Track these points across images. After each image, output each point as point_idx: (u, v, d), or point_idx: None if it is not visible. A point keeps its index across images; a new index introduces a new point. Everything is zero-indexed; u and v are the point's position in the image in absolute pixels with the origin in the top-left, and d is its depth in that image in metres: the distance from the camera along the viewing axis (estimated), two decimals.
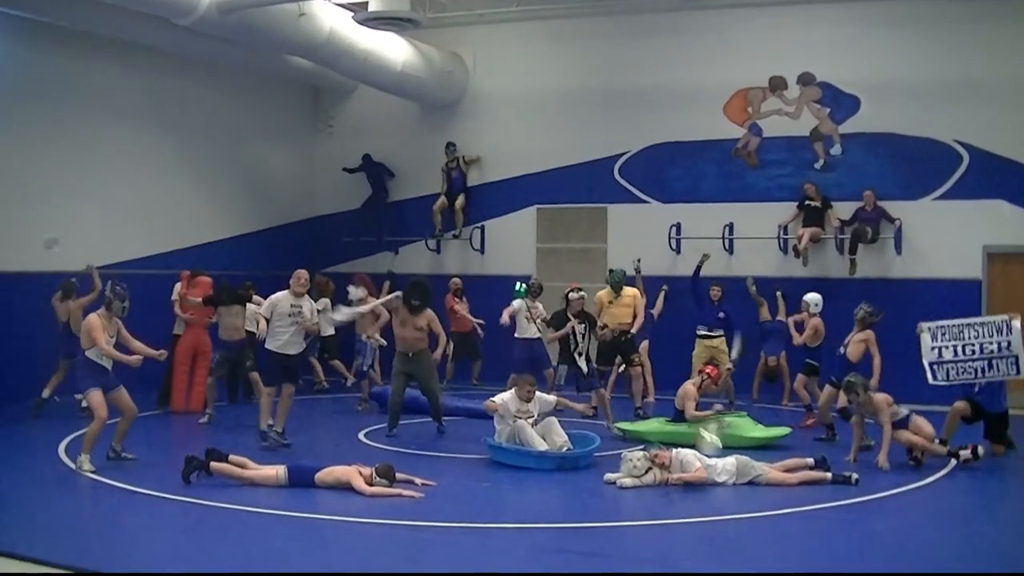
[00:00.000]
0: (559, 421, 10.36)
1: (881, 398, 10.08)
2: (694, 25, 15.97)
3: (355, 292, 12.93)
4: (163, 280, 13.82)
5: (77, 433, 10.50)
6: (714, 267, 14.27)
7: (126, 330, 9.66)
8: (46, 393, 12.46)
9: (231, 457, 9.02)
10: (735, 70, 15.70)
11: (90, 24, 13.48)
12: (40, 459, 10.07)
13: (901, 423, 10.04)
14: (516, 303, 12.96)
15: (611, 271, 13.56)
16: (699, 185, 16.08)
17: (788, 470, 9.30)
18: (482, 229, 17.21)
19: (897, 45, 14.98)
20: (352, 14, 13.98)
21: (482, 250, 17.22)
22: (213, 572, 6.55)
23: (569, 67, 16.81)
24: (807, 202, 15.23)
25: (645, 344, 13.82)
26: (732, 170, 15.91)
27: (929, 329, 10.94)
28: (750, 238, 15.61)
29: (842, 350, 11.24)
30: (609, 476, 9.17)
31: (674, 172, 16.20)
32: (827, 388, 11.41)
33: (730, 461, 9.20)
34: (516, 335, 12.99)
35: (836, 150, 15.40)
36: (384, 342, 13.53)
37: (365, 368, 13.77)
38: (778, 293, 14.62)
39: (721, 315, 13.48)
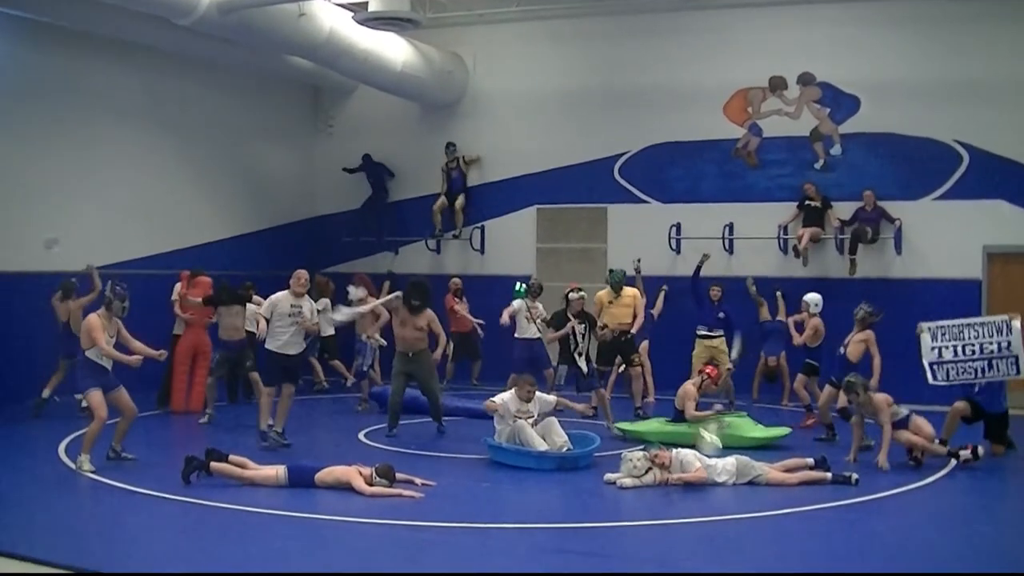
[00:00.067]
0: (559, 421, 10.36)
1: (881, 398, 10.08)
2: (694, 25, 15.97)
3: (355, 292, 12.94)
4: (163, 280, 13.82)
5: (77, 433, 10.50)
6: (714, 267, 14.27)
7: (126, 330, 9.66)
8: (46, 393, 12.46)
9: (231, 457, 9.02)
10: (735, 70, 15.70)
11: (90, 24, 13.48)
12: (40, 459, 10.07)
13: (901, 423, 10.04)
14: (516, 303, 12.96)
15: (611, 271, 13.56)
16: (699, 185, 16.08)
17: (788, 470, 9.30)
18: (482, 229, 17.21)
19: (897, 45, 14.98)
20: (352, 14, 13.98)
21: (482, 250, 17.22)
22: (213, 572, 6.55)
23: (569, 67, 16.82)
24: (807, 202, 15.23)
25: (645, 344, 13.82)
26: (732, 170, 15.91)
27: (929, 329, 10.94)
28: (750, 238, 15.61)
29: (842, 350, 11.24)
30: (609, 476, 9.17)
31: (674, 172, 16.20)
32: (827, 388, 11.41)
33: (730, 461, 9.20)
34: (516, 335, 12.99)
35: (836, 150, 15.41)
36: (384, 342, 13.53)
37: (365, 368, 13.77)
38: (778, 293, 14.62)
39: (721, 315, 13.49)
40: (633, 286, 13.70)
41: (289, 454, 10.27)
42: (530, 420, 10.06)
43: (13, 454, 10.43)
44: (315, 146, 18.61)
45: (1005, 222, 14.43)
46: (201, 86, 16.20)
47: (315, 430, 12.55)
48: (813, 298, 12.54)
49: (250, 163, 17.39)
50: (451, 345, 14.78)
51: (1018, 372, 10.61)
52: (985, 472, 9.99)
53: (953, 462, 10.08)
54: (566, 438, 10.13)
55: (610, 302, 13.04)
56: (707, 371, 11.74)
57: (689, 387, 11.45)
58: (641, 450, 9.34)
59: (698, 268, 13.53)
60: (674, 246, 15.95)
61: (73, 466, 9.48)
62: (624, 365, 13.13)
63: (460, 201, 17.11)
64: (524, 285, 13.26)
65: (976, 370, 10.69)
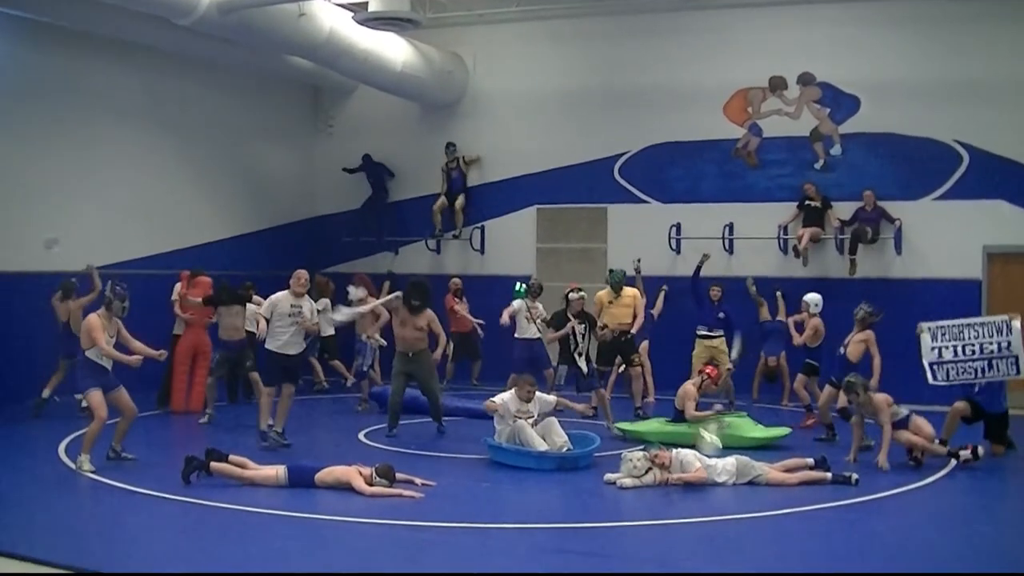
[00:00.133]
0: (559, 421, 10.36)
1: (881, 398, 10.08)
2: (694, 25, 15.97)
3: (355, 292, 12.95)
4: (163, 280, 13.82)
5: (77, 433, 10.50)
6: (714, 267, 14.27)
7: (126, 330, 9.66)
8: (46, 393, 12.46)
9: (231, 457, 9.02)
10: (735, 70, 15.70)
11: (90, 24, 13.48)
12: (40, 459, 10.07)
13: (901, 423, 10.04)
14: (516, 303, 12.96)
15: (611, 271, 13.56)
16: (699, 185, 16.08)
17: (788, 470, 9.30)
18: (482, 229, 17.21)
19: (897, 45, 14.98)
20: (352, 14, 13.98)
21: (482, 250, 17.22)
22: (213, 572, 6.55)
23: (569, 67, 16.82)
24: (807, 202, 15.23)
25: (645, 344, 13.82)
26: (732, 170, 15.91)
27: (929, 329, 10.94)
28: (750, 238, 15.61)
29: (842, 350, 11.24)
30: (609, 476, 9.17)
31: (674, 172, 16.21)
32: (827, 388, 11.41)
33: (730, 461, 9.20)
34: (516, 335, 12.99)
35: (836, 150, 15.41)
36: (384, 342, 13.52)
37: (365, 368, 13.77)
38: (778, 293, 14.62)
39: (721, 315, 13.48)
40: (633, 286, 13.69)
41: (289, 454, 10.27)
42: (530, 420, 10.06)
43: (13, 454, 10.43)
44: (315, 146, 18.61)
45: (1005, 222, 14.43)
46: (201, 86, 16.20)
47: (315, 430, 12.55)
48: (813, 298, 12.53)
49: (250, 163, 17.39)
50: (451, 345, 14.78)
51: (1018, 372, 10.61)
52: (985, 472, 9.99)
53: (953, 462, 10.08)
54: (566, 438, 10.13)
55: (610, 302, 13.04)
56: (707, 371, 11.74)
57: (689, 387, 11.45)
58: (641, 450, 9.33)
59: (698, 268, 13.53)
60: (674, 246, 15.95)
61: (73, 466, 9.47)
62: (624, 365, 13.12)
63: (460, 201, 17.12)
64: (524, 285, 13.26)
65: (976, 370, 10.69)
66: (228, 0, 12.69)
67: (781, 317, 14.23)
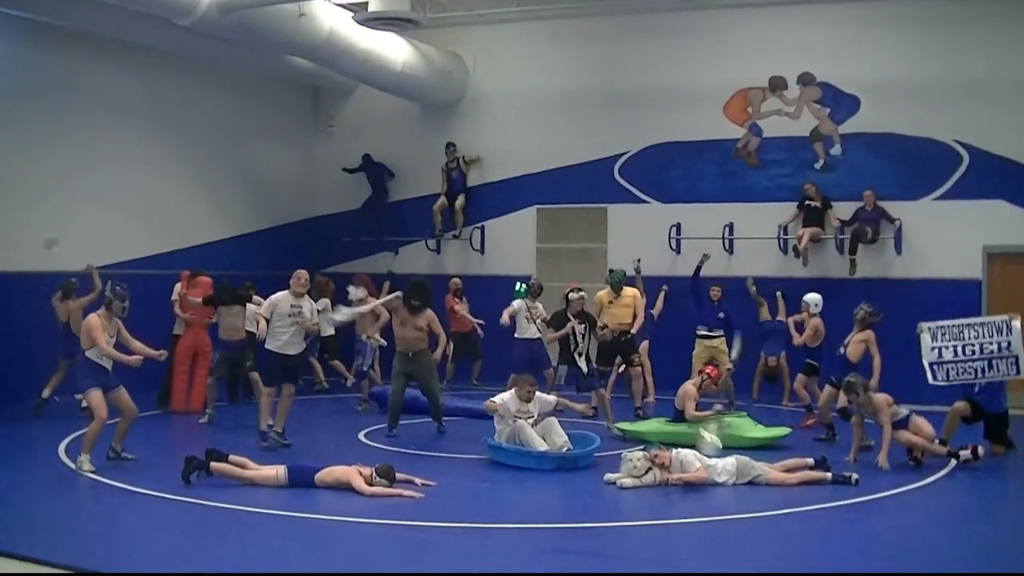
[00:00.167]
0: (559, 421, 10.36)
1: (881, 398, 10.08)
2: (694, 25, 15.97)
3: (355, 292, 12.94)
4: (163, 280, 13.82)
5: (77, 433, 10.50)
6: (714, 267, 14.27)
7: (126, 330, 9.66)
8: (46, 393, 12.46)
9: (231, 457, 9.02)
10: (735, 70, 15.70)
11: (90, 24, 13.48)
12: (40, 459, 10.07)
13: (901, 423, 10.04)
14: (516, 303, 12.96)
15: (611, 271, 13.56)
16: (699, 185, 16.08)
17: (788, 470, 9.30)
18: (482, 229, 17.21)
19: (897, 45, 14.98)
20: (352, 14, 13.98)
21: (482, 250, 17.22)
22: (213, 572, 6.55)
23: (569, 67, 16.82)
24: (807, 202, 15.23)
25: (645, 344, 13.81)
26: (732, 170, 15.91)
27: (929, 329, 10.94)
28: (750, 238, 15.61)
29: (842, 350, 11.24)
30: (609, 476, 9.17)
31: (674, 172, 16.21)
32: (827, 388, 11.41)
33: (730, 461, 9.20)
34: (516, 335, 12.99)
35: (836, 150, 15.41)
36: (384, 342, 13.52)
37: (365, 368, 13.77)
38: (778, 293, 14.62)
39: (721, 315, 13.48)
40: (633, 286, 13.69)
41: (289, 454, 10.27)
42: (530, 420, 10.06)
43: (13, 454, 10.43)
44: (315, 146, 18.61)
45: (1005, 222, 14.43)
46: (201, 86, 16.20)
47: (315, 430, 12.55)
48: (813, 298, 12.53)
49: (250, 163, 17.39)
50: (451, 345, 14.78)
51: (1018, 372, 10.61)
52: (985, 472, 9.99)
53: (953, 462, 10.08)
54: (566, 438, 10.13)
55: (610, 302, 13.04)
56: (707, 371, 11.74)
57: (689, 387, 11.45)
58: (641, 450, 9.33)
59: (698, 268, 13.53)
60: (674, 246, 15.95)
61: (73, 466, 9.47)
62: (624, 365, 13.12)
63: (460, 201, 17.11)
64: (524, 285, 13.26)
65: (976, 370, 10.69)
66: (228, 0, 12.69)
67: (781, 317, 14.23)
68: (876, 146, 15.18)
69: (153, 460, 9.91)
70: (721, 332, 13.40)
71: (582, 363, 12.04)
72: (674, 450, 9.28)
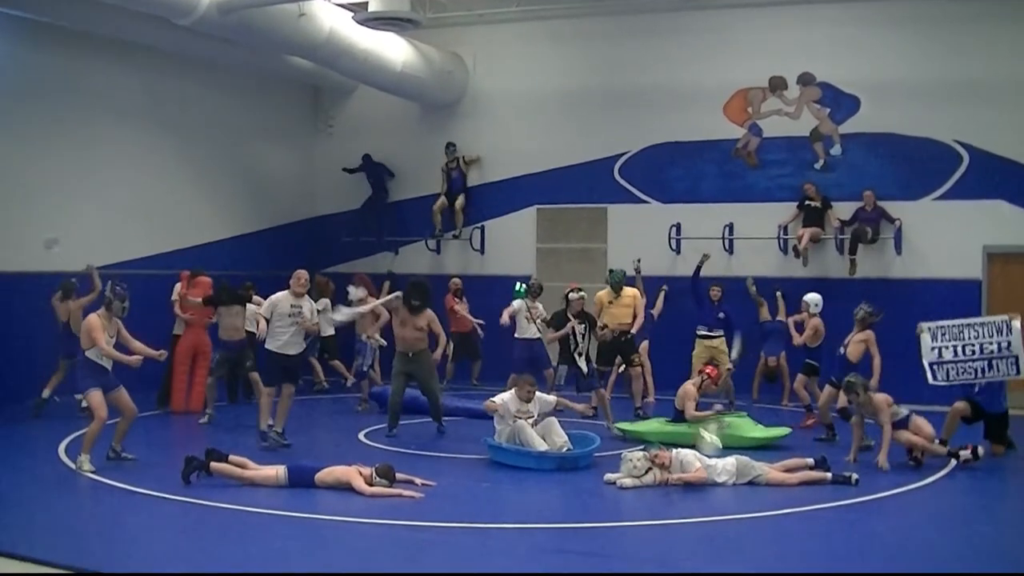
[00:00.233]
0: (559, 421, 10.36)
1: (881, 398, 10.08)
2: (694, 25, 15.97)
3: (355, 292, 12.94)
4: (163, 280, 13.82)
5: (77, 433, 10.50)
6: (714, 267, 14.27)
7: (126, 330, 9.66)
8: (46, 393, 12.46)
9: (231, 457, 9.02)
10: (735, 70, 15.70)
11: (90, 24, 13.48)
12: (40, 459, 10.07)
13: (901, 423, 10.04)
14: (516, 303, 12.96)
15: (611, 271, 13.56)
16: (699, 185, 16.08)
17: (788, 470, 9.30)
18: (482, 229, 17.21)
19: (897, 45, 14.98)
20: (352, 14, 13.98)
21: (482, 250, 17.22)
22: (213, 572, 6.55)
23: (569, 67, 16.82)
24: (807, 202, 15.23)
25: (645, 344, 13.81)
26: (732, 170, 15.91)
27: (929, 329, 10.94)
28: (750, 238, 15.61)
29: (842, 350, 11.24)
30: (609, 476, 9.17)
31: (674, 172, 16.20)
32: (827, 388, 11.41)
33: (730, 461, 9.20)
34: (516, 335, 12.99)
35: (836, 150, 15.41)
36: (384, 342, 13.52)
37: (365, 368, 13.77)
38: (778, 293, 14.62)
39: (721, 315, 13.48)
40: (633, 286, 13.69)
41: (289, 454, 10.27)
42: (530, 420, 10.06)
43: (13, 454, 10.43)
44: (315, 146, 18.61)
45: (1005, 222, 14.43)
46: (201, 86, 16.20)
47: (315, 430, 12.55)
48: (813, 298, 12.53)
49: (250, 163, 17.39)
50: (451, 345, 14.78)
51: (1018, 372, 10.61)
52: (985, 472, 9.99)
53: (953, 462, 10.08)
54: (566, 438, 10.13)
55: (610, 302, 13.04)
56: (707, 371, 11.74)
57: (689, 387, 11.44)
58: (641, 450, 9.33)
59: (698, 268, 13.52)
60: (674, 246, 15.94)
61: (73, 466, 9.47)
62: (624, 365, 13.12)
63: (460, 201, 17.11)
64: (524, 285, 13.26)
65: (976, 370, 10.69)
66: (228, 0, 12.69)
67: (781, 317, 14.23)
68: (876, 146, 15.18)
69: (153, 460, 9.91)
70: (721, 332, 13.40)
71: (582, 363, 12.04)
72: (674, 450, 9.28)
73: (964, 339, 10.77)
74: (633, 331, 13.04)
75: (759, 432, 11.23)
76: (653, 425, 11.69)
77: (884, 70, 14.96)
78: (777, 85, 15.63)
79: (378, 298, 12.96)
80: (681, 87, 15.96)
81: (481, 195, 17.25)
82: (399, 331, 11.75)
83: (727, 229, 15.67)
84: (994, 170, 14.51)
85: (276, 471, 8.83)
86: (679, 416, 11.36)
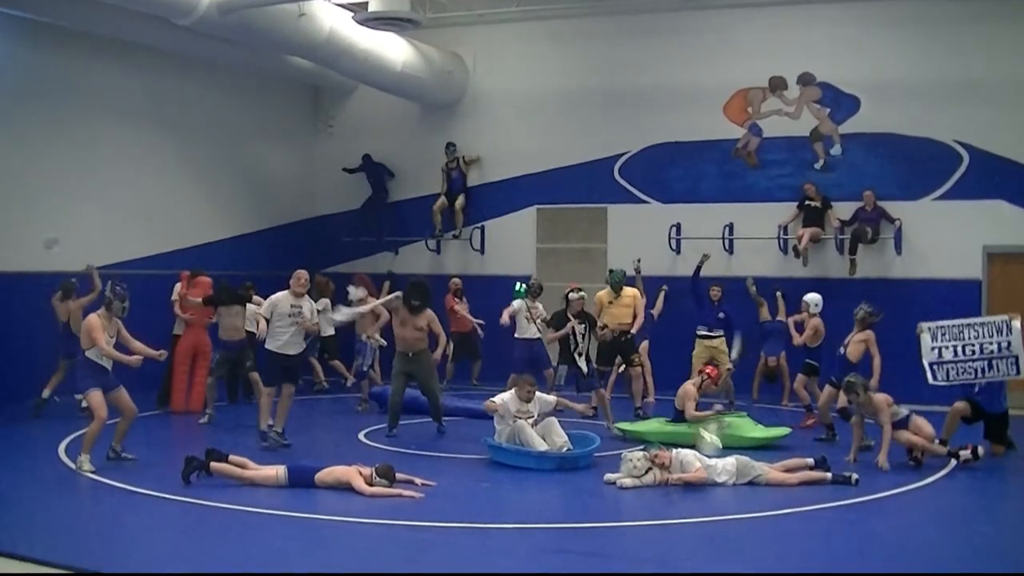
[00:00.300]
0: (559, 421, 10.36)
1: (881, 398, 10.08)
2: (694, 25, 15.97)
3: (355, 292, 12.95)
4: (163, 280, 13.82)
5: (77, 433, 10.50)
6: (714, 267, 14.27)
7: (126, 330, 9.66)
8: (46, 393, 12.46)
9: (231, 457, 9.02)
10: (735, 70, 15.70)
11: (90, 24, 13.48)
12: (40, 459, 10.07)
13: (901, 423, 10.04)
14: (516, 303, 12.96)
15: (611, 271, 13.56)
16: (699, 185, 16.08)
17: (788, 470, 9.30)
18: (482, 229, 17.21)
19: (897, 45, 14.98)
20: (352, 14, 13.98)
21: (482, 250, 17.22)
22: (213, 572, 6.55)
23: (569, 67, 16.82)
24: (807, 202, 15.23)
25: (645, 344, 13.81)
26: (732, 170, 15.91)
27: (929, 329, 10.94)
28: (750, 238, 15.61)
29: (842, 350, 11.23)
30: (609, 476, 9.17)
31: (674, 172, 16.20)
32: (827, 388, 11.41)
33: (730, 461, 9.20)
34: (516, 335, 12.99)
35: (836, 150, 15.41)
36: (384, 342, 13.52)
37: (365, 368, 13.77)
38: (778, 293, 14.62)
39: (721, 315, 13.48)
40: (633, 286, 13.69)
41: (289, 454, 10.27)
42: (530, 420, 10.06)
43: (13, 454, 10.43)
44: (315, 146, 18.61)
45: (1005, 222, 14.43)
46: (201, 86, 16.20)
47: (315, 430, 12.55)
48: (813, 298, 12.53)
49: (250, 163, 17.39)
50: (451, 345, 14.78)
51: (1018, 372, 10.61)
52: (985, 472, 9.99)
53: (953, 462, 10.08)
54: (566, 438, 10.13)
55: (610, 302, 13.04)
56: (707, 371, 11.73)
57: (689, 387, 11.44)
58: (641, 450, 9.33)
59: (698, 268, 13.52)
60: (674, 246, 15.94)
61: (73, 466, 9.47)
62: (624, 365, 13.12)
63: (460, 201, 17.11)
64: (524, 285, 13.26)
65: (976, 370, 10.69)
66: (228, 0, 12.69)
67: (781, 317, 14.23)
68: (876, 146, 15.18)
69: (153, 460, 9.91)
70: (721, 332, 13.40)
71: (582, 363, 12.04)
72: (674, 450, 9.28)
73: (964, 339, 10.77)
74: (633, 331, 13.04)
75: (759, 432, 11.23)
76: (653, 425, 11.69)
77: (884, 70, 14.96)
78: (777, 85, 15.63)
79: (378, 298, 12.96)
80: (681, 87, 15.96)
81: (481, 195, 17.25)
82: (399, 331, 11.75)
83: (727, 229, 15.67)
84: (994, 170, 14.50)
85: (276, 471, 8.83)
86: (679, 416, 11.36)
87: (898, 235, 14.74)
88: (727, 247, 15.68)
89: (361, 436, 11.68)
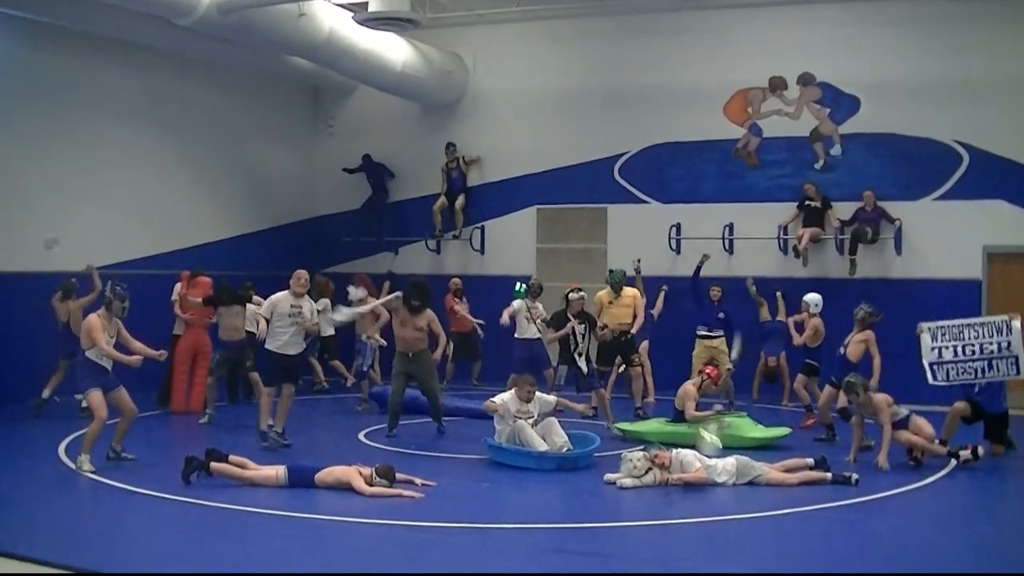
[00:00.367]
0: (559, 421, 10.36)
1: (881, 398, 10.08)
2: (694, 25, 15.97)
3: (355, 292, 12.95)
4: (163, 280, 13.82)
5: (77, 433, 10.49)
6: (714, 267, 14.27)
7: (126, 330, 9.66)
8: (46, 393, 12.46)
9: (231, 457, 9.02)
10: (735, 70, 15.70)
11: (90, 24, 13.48)
12: (40, 459, 10.07)
13: (901, 423, 10.04)
14: (516, 303, 12.96)
15: (611, 271, 13.55)
16: (699, 185, 16.08)
17: (788, 470, 9.30)
18: (482, 229, 17.21)
19: (897, 45, 14.99)
20: (352, 14, 13.98)
21: (482, 250, 17.22)
22: (213, 572, 6.55)
23: (569, 67, 16.82)
24: (807, 202, 15.23)
25: (645, 344, 13.81)
26: (732, 170, 15.91)
27: (929, 329, 10.94)
28: (750, 238, 15.61)
29: (842, 350, 11.23)
30: (609, 476, 9.17)
31: (674, 172, 16.21)
32: (827, 388, 11.40)
33: (730, 461, 9.20)
34: (516, 335, 12.99)
35: (836, 150, 15.41)
36: (384, 342, 13.52)
37: (365, 368, 13.77)
38: (778, 293, 14.62)
39: (721, 315, 13.48)
40: (633, 286, 13.69)
41: (289, 454, 10.27)
42: (530, 420, 10.06)
43: (13, 454, 10.43)
44: (315, 146, 18.61)
45: (1005, 222, 14.43)
46: (201, 86, 16.20)
47: (315, 430, 12.55)
48: (813, 298, 12.53)
49: (250, 163, 17.39)
50: (451, 345, 14.78)
51: (1018, 372, 10.61)
52: (985, 472, 10.00)
53: (953, 462, 10.08)
54: (566, 438, 10.13)
55: (610, 302, 13.04)
56: (707, 371, 11.73)
57: (689, 387, 11.44)
58: (641, 450, 9.33)
59: (698, 268, 13.52)
60: (674, 246, 15.94)
61: (73, 466, 9.47)
62: (624, 365, 13.12)
63: (460, 201, 17.12)
64: (524, 285, 13.26)
65: (976, 370, 10.69)
66: (228, 0, 12.69)
67: (781, 317, 14.23)
68: (876, 146, 15.18)
69: (153, 460, 9.91)
70: (721, 332, 13.40)
71: (582, 363, 12.04)
72: (674, 450, 9.28)
73: (964, 339, 10.77)
74: (633, 331, 13.04)
75: (759, 432, 11.23)
76: (653, 425, 11.69)
77: (884, 70, 14.97)
78: (777, 85, 15.63)
79: (378, 298, 12.96)
80: (681, 87, 15.96)
81: (481, 195, 17.25)
82: (399, 331, 11.75)
83: (727, 229, 15.67)
84: (994, 170, 14.51)
85: (276, 471, 8.83)
86: (679, 416, 11.36)
87: (898, 235, 14.74)
88: (727, 247, 15.68)
89: (361, 436, 11.68)
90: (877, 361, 10.94)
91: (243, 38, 13.90)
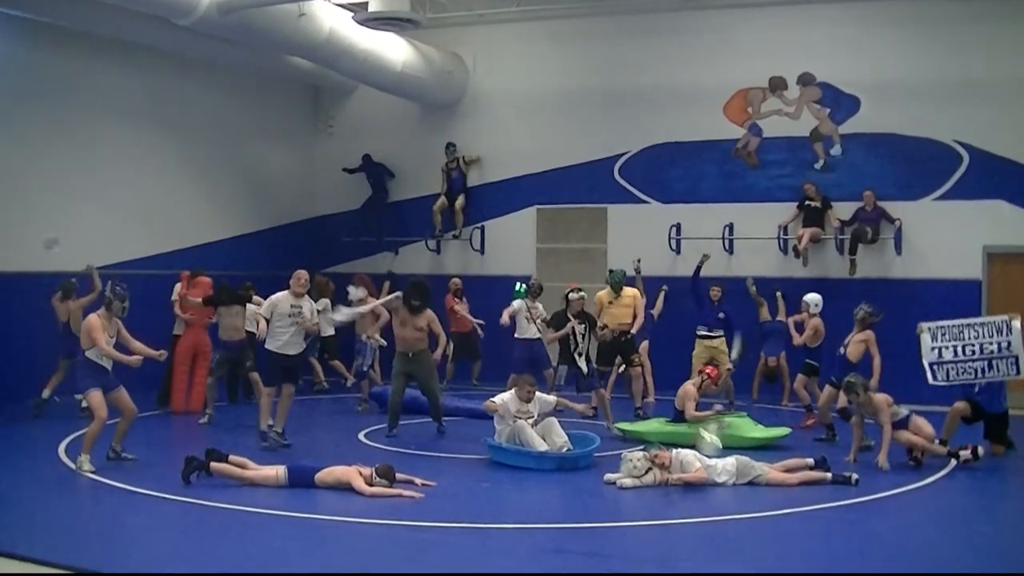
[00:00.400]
0: (559, 421, 10.36)
1: (881, 398, 10.08)
2: (694, 25, 15.97)
3: (355, 292, 12.95)
4: (163, 280, 13.82)
5: (77, 433, 10.50)
6: (714, 267, 14.27)
7: (126, 330, 9.66)
8: (46, 393, 12.46)
9: (231, 457, 9.02)
10: (735, 70, 15.70)
11: (90, 24, 13.48)
12: (40, 459, 10.07)
13: (901, 423, 10.04)
14: (516, 303, 12.96)
15: (611, 271, 13.56)
16: (699, 185, 16.08)
17: (788, 470, 9.30)
18: (482, 229, 17.21)
19: (897, 45, 14.99)
20: (352, 14, 13.98)
21: (482, 250, 17.22)
22: (213, 572, 6.55)
23: (569, 67, 16.82)
24: (807, 202, 15.23)
25: (645, 344, 13.81)
26: (732, 170, 15.91)
27: (929, 329, 10.94)
28: (750, 238, 15.61)
29: (842, 350, 11.23)
30: (609, 476, 9.17)
31: (674, 172, 16.21)
32: (827, 388, 11.40)
33: (730, 461, 9.20)
34: (516, 335, 12.99)
35: (836, 150, 15.41)
36: (384, 342, 13.53)
37: (365, 368, 13.77)
38: (778, 293, 14.62)
39: (721, 315, 13.48)
40: (633, 286, 13.69)
41: (289, 454, 10.27)
42: (530, 420, 10.06)
43: (13, 454, 10.43)
44: (315, 146, 18.61)
45: (1005, 222, 14.43)
46: (201, 86, 16.20)
47: (315, 430, 12.55)
48: (813, 298, 12.53)
49: (250, 163, 17.39)
50: (451, 345, 14.78)
51: (1018, 372, 10.61)
52: (985, 472, 10.00)
53: (953, 462, 10.08)
54: (566, 438, 10.13)
55: (610, 302, 13.04)
56: (707, 371, 11.73)
57: (689, 387, 11.44)
58: (641, 450, 9.34)
59: (698, 268, 13.52)
60: (674, 246, 15.94)
61: (73, 466, 9.47)
62: (624, 365, 13.12)
63: (460, 201, 17.12)
64: (524, 285, 13.26)
65: (976, 370, 10.69)
66: (228, 0, 12.69)
67: (781, 317, 14.23)
68: (876, 146, 15.18)
69: (153, 460, 9.91)
70: (721, 332, 13.40)
71: (582, 363, 12.04)
72: (674, 450, 9.28)
73: (964, 339, 10.77)
74: (633, 331, 13.04)
75: (759, 432, 11.23)
76: (653, 425, 11.69)
77: (884, 70, 14.97)
78: (777, 85, 15.63)
79: (378, 298, 12.96)
80: (681, 87, 15.97)
81: (481, 195, 17.25)
82: (399, 331, 11.75)
83: (727, 229, 15.67)
84: (994, 170, 14.51)
85: (276, 471, 8.83)
86: (679, 416, 11.36)
87: (898, 235, 14.74)
88: (727, 247, 15.68)
89: (361, 436, 11.68)
90: (877, 361, 10.94)
91: (243, 38, 13.90)
